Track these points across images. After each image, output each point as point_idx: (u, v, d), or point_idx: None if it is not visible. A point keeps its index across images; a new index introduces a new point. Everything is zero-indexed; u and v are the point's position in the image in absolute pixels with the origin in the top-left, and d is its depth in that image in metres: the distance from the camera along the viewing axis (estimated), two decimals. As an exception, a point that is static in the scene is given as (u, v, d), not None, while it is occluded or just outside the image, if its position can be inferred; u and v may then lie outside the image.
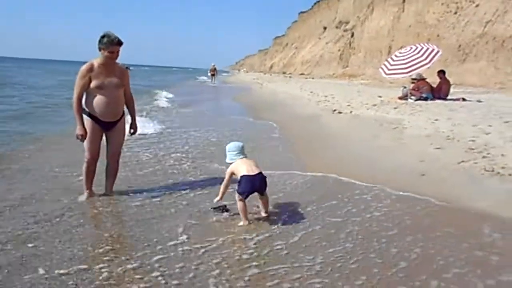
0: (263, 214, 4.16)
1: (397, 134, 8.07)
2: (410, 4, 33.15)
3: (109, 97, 4.58)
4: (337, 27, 65.09)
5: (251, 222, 4.01)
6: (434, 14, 28.50)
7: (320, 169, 6.08)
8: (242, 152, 4.22)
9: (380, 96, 15.22)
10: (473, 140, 6.84)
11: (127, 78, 4.86)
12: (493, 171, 5.29)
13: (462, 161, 5.82)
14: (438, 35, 26.58)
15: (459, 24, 25.05)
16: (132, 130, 5.03)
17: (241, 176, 3.99)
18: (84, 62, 4.64)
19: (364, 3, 50.43)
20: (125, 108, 4.91)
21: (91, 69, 4.54)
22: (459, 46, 23.99)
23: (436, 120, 9.00)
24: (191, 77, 54.85)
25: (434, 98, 13.04)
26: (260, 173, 4.05)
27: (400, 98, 13.66)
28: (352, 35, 49.32)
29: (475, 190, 4.83)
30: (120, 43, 4.53)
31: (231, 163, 4.19)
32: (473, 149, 6.33)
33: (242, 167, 4.03)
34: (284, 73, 74.50)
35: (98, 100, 4.56)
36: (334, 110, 11.84)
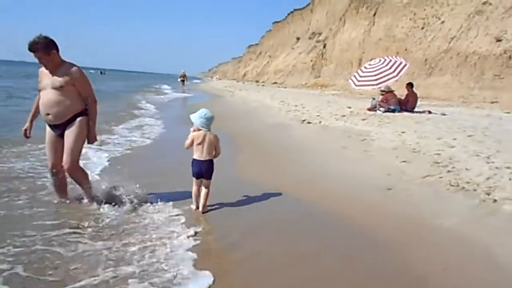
0: (200, 209, 4.54)
1: (365, 146, 8.01)
2: (380, 18, 33.85)
3: (44, 98, 4.37)
4: (310, 38, 65.98)
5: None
6: (402, 28, 29.16)
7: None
8: (207, 124, 4.50)
9: (349, 107, 15.31)
10: (438, 154, 6.84)
11: (79, 80, 4.42)
12: (457, 186, 5.24)
13: (428, 176, 5.77)
14: (406, 49, 27.18)
15: (426, 39, 25.71)
16: (87, 140, 4.58)
17: (192, 159, 4.49)
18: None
19: (336, 16, 51.40)
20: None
21: (42, 70, 4.49)
22: (426, 60, 24.58)
23: (403, 132, 9.03)
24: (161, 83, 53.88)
25: (401, 110, 13.20)
26: (210, 160, 4.50)
27: (369, 109, 13.76)
28: (324, 46, 49.96)
29: (441, 206, 4.75)
30: (30, 49, 4.26)
31: (196, 129, 4.48)
32: (438, 163, 6.30)
33: (197, 147, 4.44)
34: (257, 81, 74.79)
35: (39, 101, 4.48)
36: (304, 120, 11.76)
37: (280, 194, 5.28)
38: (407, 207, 4.80)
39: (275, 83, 62.49)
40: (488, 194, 4.88)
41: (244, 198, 5.09)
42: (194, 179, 4.53)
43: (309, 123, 11.42)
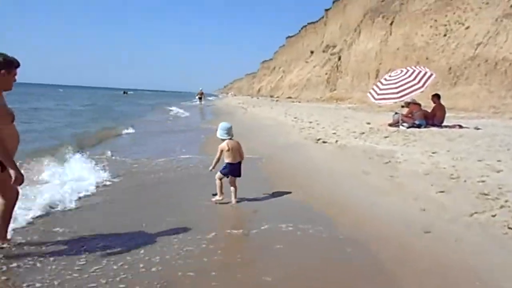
0: (233, 201, 5.41)
1: (390, 171, 6.80)
2: (398, 27, 32.62)
3: (16, 132, 3.71)
4: (324, 51, 64.98)
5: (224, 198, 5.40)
6: (422, 36, 27.85)
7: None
8: (229, 133, 5.43)
9: (368, 123, 14.05)
10: (483, 181, 5.60)
11: None
12: (519, 229, 4.00)
13: (475, 213, 4.55)
14: (427, 58, 25.84)
15: (449, 46, 24.34)
16: None
17: (227, 163, 5.40)
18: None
19: (351, 27, 50.34)
20: None
21: None
22: (449, 68, 23.20)
23: (434, 152, 7.78)
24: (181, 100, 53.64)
25: (428, 125, 11.92)
26: (239, 162, 5.47)
27: (390, 125, 12.51)
28: (339, 58, 48.85)
29: (504, 261, 3.52)
30: (19, 65, 3.69)
31: (222, 139, 5.40)
32: (486, 194, 5.06)
33: (228, 154, 5.35)
34: (271, 96, 73.87)
35: (11, 135, 3.60)
36: (318, 139, 10.59)
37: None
38: (456, 260, 3.59)
39: (290, 97, 61.44)
40: None
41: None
42: (219, 174, 5.41)
43: (324, 142, 10.25)
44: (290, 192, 6.04)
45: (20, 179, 3.49)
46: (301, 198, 5.75)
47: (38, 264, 3.51)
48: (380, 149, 8.63)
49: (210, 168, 5.49)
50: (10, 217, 3.81)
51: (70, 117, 21.96)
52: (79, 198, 5.64)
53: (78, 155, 8.09)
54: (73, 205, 5.28)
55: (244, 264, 3.67)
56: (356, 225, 4.58)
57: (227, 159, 5.38)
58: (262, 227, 4.52)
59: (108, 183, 6.61)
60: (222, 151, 5.37)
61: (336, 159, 8.34)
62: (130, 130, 15.20)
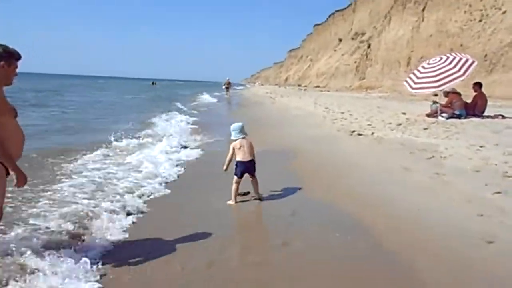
0: (257, 196, 5.32)
1: (435, 167, 6.31)
2: (431, 13, 31.32)
3: (19, 129, 3.33)
4: (353, 39, 63.57)
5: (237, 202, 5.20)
6: (456, 22, 26.62)
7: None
8: (242, 131, 5.34)
9: (404, 113, 13.41)
10: (544, 180, 5.07)
11: None
12: None
13: (542, 218, 4.06)
14: (461, 45, 24.70)
15: (485, 32, 23.17)
16: None
17: (237, 161, 5.23)
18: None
19: (381, 14, 48.95)
20: None
21: None
22: (485, 55, 22.09)
23: (481, 146, 7.23)
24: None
25: (468, 115, 11.24)
26: (252, 160, 5.26)
27: (428, 115, 11.89)
28: (369, 46, 47.58)
29: None
30: (20, 57, 3.30)
31: (235, 139, 5.29)
32: (550, 196, 4.56)
33: (239, 151, 5.22)
34: (299, 85, 73.00)
35: (14, 131, 3.25)
36: (353, 131, 10.12)
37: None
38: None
39: (318, 86, 60.54)
40: None
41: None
42: (236, 178, 5.18)
43: (359, 134, 9.78)
44: (325, 191, 5.68)
45: (23, 180, 3.20)
46: (336, 199, 5.30)
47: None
48: (420, 142, 8.12)
49: (224, 167, 5.36)
50: None
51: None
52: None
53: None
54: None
55: (283, 279, 3.34)
56: (398, 233, 4.10)
57: (237, 157, 5.24)
58: (302, 236, 4.16)
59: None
60: (234, 149, 5.25)
61: (373, 153, 7.88)
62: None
